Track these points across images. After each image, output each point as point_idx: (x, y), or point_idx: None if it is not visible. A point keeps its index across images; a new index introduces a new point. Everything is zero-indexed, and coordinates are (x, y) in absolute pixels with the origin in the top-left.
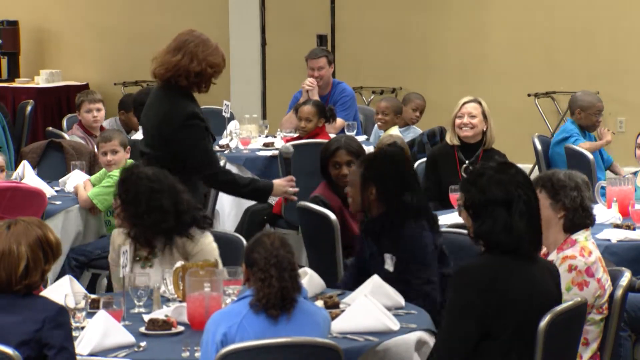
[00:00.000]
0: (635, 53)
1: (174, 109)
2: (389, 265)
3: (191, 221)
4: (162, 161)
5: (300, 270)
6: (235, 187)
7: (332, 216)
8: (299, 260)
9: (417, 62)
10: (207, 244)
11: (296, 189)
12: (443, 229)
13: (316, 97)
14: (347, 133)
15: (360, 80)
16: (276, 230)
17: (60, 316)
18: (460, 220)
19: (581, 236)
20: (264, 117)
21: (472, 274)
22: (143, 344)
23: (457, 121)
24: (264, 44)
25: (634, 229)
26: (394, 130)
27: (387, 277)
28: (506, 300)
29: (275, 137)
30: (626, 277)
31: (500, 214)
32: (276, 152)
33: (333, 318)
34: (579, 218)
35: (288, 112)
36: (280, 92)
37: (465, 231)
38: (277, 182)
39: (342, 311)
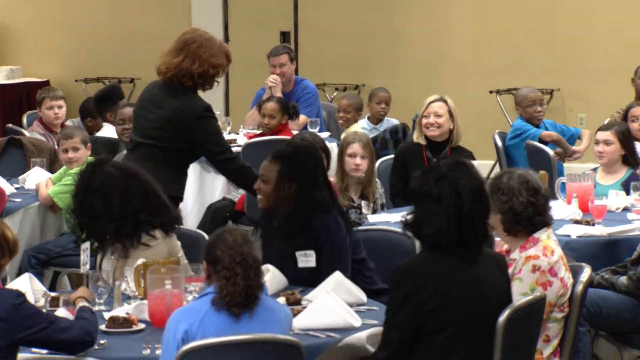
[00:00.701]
0: (596, 50)
1: (192, 101)
2: (304, 262)
3: (133, 228)
4: (167, 151)
5: (263, 267)
6: (250, 174)
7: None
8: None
9: (380, 58)
10: (164, 248)
11: None
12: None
13: (279, 94)
14: (310, 130)
15: (324, 77)
16: (239, 227)
17: (19, 301)
18: None
19: (543, 234)
20: (227, 113)
21: (407, 272)
22: (103, 341)
23: (424, 121)
24: (226, 40)
25: (593, 225)
26: (356, 127)
27: (312, 273)
28: (443, 297)
29: (238, 133)
30: (586, 272)
31: (430, 207)
32: (239, 148)
33: (295, 315)
34: (508, 222)
35: (251, 109)
36: (243, 89)
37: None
38: None
39: (304, 308)
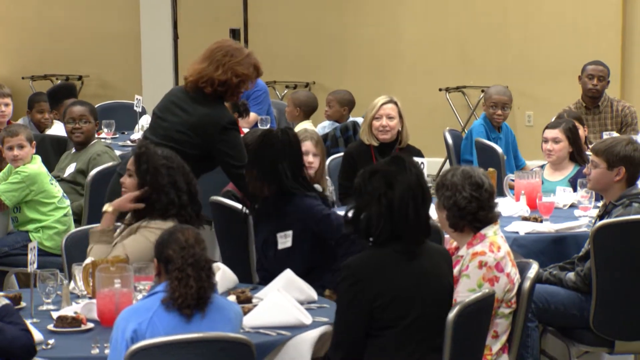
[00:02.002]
0: (544, 49)
1: (219, 111)
2: (284, 243)
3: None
4: (185, 156)
5: (213, 265)
6: None
7: (244, 210)
8: (212, 255)
9: (331, 56)
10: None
11: None
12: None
13: None
14: (261, 127)
15: (274, 75)
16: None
17: None
18: None
19: (490, 231)
20: None
21: (354, 270)
22: (51, 341)
23: (375, 123)
24: (176, 38)
25: (541, 222)
26: (307, 124)
27: (289, 254)
28: (391, 293)
29: None
30: (534, 269)
31: (364, 201)
32: None
33: (245, 313)
34: (453, 218)
35: None
36: None
37: None
38: None
39: (255, 306)
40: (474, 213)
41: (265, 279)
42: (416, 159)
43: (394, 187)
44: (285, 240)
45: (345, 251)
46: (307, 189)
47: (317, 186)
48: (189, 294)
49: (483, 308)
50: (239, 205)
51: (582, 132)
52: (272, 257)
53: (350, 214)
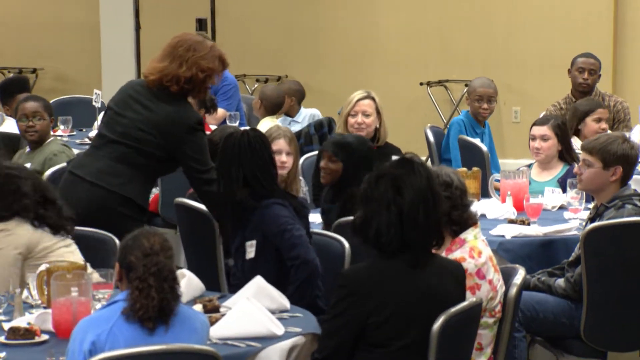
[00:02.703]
0: (531, 42)
1: (186, 111)
2: (249, 253)
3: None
4: (146, 156)
5: (178, 272)
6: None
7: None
8: (177, 261)
9: (304, 48)
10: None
11: None
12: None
13: None
14: (230, 124)
15: (243, 68)
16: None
17: None
18: None
19: (470, 235)
20: None
21: (352, 279)
22: (2, 354)
23: (351, 120)
24: (137, 28)
25: (528, 224)
26: (269, 121)
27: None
28: (385, 309)
29: None
30: (520, 275)
31: (372, 208)
32: None
33: (213, 323)
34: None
35: None
36: None
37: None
38: None
39: (223, 315)
40: (447, 214)
41: (236, 288)
42: (395, 158)
43: (402, 193)
44: (250, 250)
45: (293, 277)
46: (277, 195)
47: (304, 194)
48: (150, 306)
49: (469, 318)
50: (205, 208)
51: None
52: (241, 267)
53: (358, 223)
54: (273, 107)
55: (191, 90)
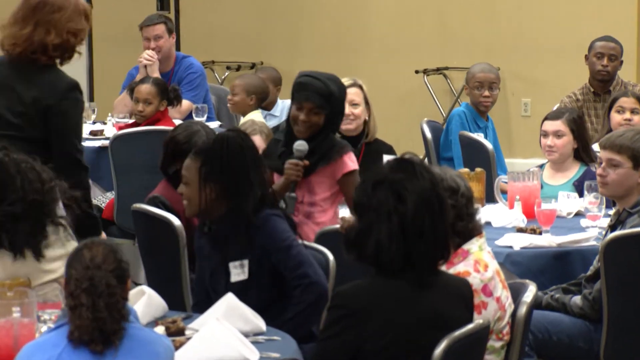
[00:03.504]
0: (543, 23)
1: (56, 76)
2: (238, 275)
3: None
4: (30, 143)
5: (137, 289)
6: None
7: (176, 221)
8: (136, 276)
9: (282, 32)
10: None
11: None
12: None
13: (156, 74)
14: (196, 118)
15: (212, 54)
16: (107, 241)
17: None
18: None
19: (474, 245)
20: (91, 99)
21: (347, 299)
22: None
23: None
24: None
25: (540, 233)
26: (255, 115)
27: (243, 288)
28: (384, 335)
29: (105, 123)
30: (531, 291)
31: (369, 219)
32: (106, 142)
33: (177, 347)
34: None
35: (121, 92)
36: (110, 68)
37: None
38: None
39: (189, 339)
40: (452, 225)
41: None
42: (387, 157)
43: (405, 200)
44: (240, 271)
45: (299, 299)
46: (273, 206)
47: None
48: (84, 327)
49: (475, 342)
50: (168, 215)
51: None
52: (223, 292)
53: (352, 237)
54: (263, 99)
55: (60, 57)
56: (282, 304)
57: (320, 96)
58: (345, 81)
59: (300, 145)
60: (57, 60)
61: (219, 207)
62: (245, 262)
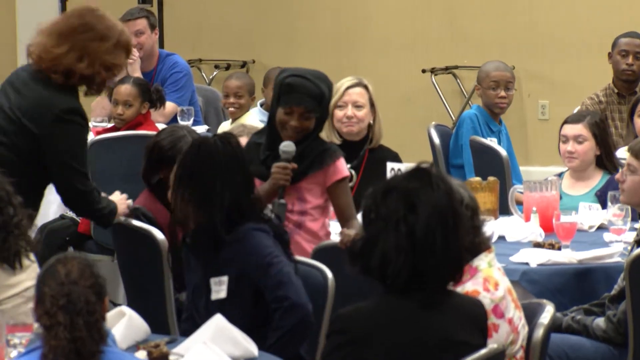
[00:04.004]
0: (562, 18)
1: (50, 96)
2: (217, 292)
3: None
4: (17, 152)
5: (116, 310)
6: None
7: (159, 235)
8: (114, 296)
9: (277, 27)
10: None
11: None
12: None
13: (137, 74)
14: (181, 122)
15: (199, 51)
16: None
17: None
18: None
19: (483, 262)
20: None
21: (349, 323)
22: None
23: (338, 113)
24: (64, 0)
25: (559, 249)
26: (249, 118)
27: (222, 307)
28: (389, 355)
29: None
30: (548, 312)
31: (377, 229)
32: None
33: None
34: None
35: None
36: None
37: None
38: (117, 198)
39: None
40: None
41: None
42: (391, 164)
43: (417, 210)
44: (219, 288)
45: (278, 323)
46: (258, 218)
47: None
48: (60, 347)
49: None
50: (151, 228)
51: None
52: (203, 310)
53: (358, 247)
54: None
55: (86, 86)
56: (266, 328)
57: (313, 99)
58: (349, 80)
59: (287, 146)
60: (81, 89)
61: (194, 216)
62: (225, 279)
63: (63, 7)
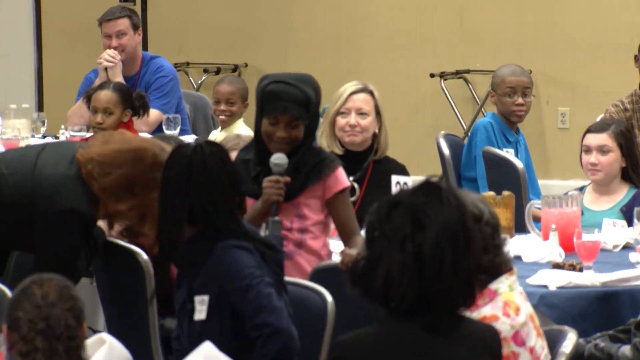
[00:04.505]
0: (583, 19)
1: (62, 189)
2: (200, 312)
3: None
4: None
5: (95, 338)
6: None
7: (142, 255)
8: (93, 322)
9: (271, 27)
10: None
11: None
12: None
13: (119, 79)
14: (167, 131)
15: (186, 54)
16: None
17: None
18: None
19: (503, 285)
20: (40, 108)
21: (348, 350)
22: None
23: (341, 121)
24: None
25: (580, 270)
26: (241, 127)
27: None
28: None
29: (57, 137)
30: (570, 340)
31: (380, 247)
32: None
33: None
34: None
35: (77, 100)
36: (63, 70)
37: None
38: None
39: None
40: (476, 259)
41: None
42: (396, 178)
43: (424, 227)
44: (201, 308)
45: (260, 352)
46: (235, 235)
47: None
48: None
49: None
50: (133, 248)
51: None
52: (187, 330)
53: (360, 267)
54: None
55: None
56: (251, 354)
57: (299, 105)
58: (354, 85)
59: (279, 158)
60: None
61: (188, 229)
62: (206, 298)
63: (37, 10)
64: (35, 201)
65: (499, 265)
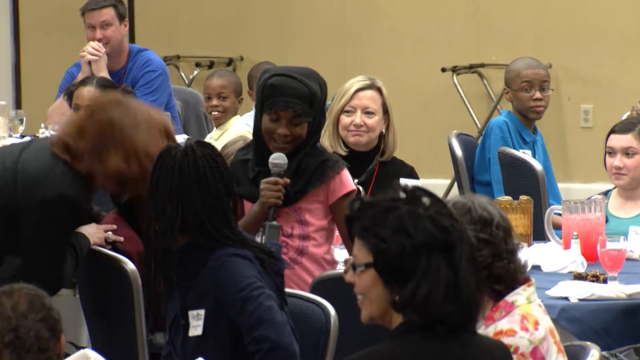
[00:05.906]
0: (606, 10)
1: (44, 179)
2: (195, 328)
3: None
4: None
5: (78, 354)
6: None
7: (129, 265)
8: (77, 337)
9: (267, 17)
10: None
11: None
12: None
13: (104, 73)
14: None
15: (176, 47)
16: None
17: None
18: None
19: (521, 296)
20: (18, 105)
21: None
22: None
23: (345, 119)
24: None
25: (604, 281)
26: (237, 124)
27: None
28: None
29: (36, 136)
30: (593, 357)
31: (440, 266)
32: None
33: None
34: None
35: (58, 97)
36: (43, 65)
37: None
38: (89, 229)
39: None
40: (488, 266)
41: None
42: (405, 181)
43: (463, 240)
44: (196, 323)
45: None
46: (233, 244)
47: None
48: None
49: None
50: (119, 257)
51: None
52: (181, 347)
53: (413, 287)
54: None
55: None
56: None
57: (302, 101)
58: (360, 81)
59: (278, 158)
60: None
61: (181, 236)
62: (202, 312)
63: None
64: (19, 196)
65: (514, 273)
